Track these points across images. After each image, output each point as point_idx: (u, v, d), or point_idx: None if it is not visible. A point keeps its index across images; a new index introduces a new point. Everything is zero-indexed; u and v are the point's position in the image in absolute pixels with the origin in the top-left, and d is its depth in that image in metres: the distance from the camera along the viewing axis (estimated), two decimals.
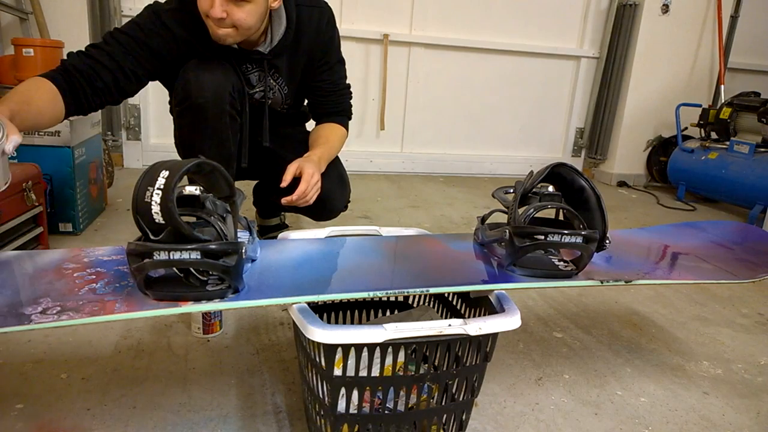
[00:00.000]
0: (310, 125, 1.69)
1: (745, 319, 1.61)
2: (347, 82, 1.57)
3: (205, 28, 1.28)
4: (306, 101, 1.62)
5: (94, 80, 1.20)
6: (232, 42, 1.29)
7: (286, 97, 1.54)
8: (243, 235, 0.93)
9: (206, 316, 1.25)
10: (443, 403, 0.87)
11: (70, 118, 1.78)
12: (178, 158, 1.38)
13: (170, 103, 1.43)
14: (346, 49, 1.55)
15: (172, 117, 1.45)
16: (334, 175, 1.53)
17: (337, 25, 1.51)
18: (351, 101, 1.59)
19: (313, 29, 1.44)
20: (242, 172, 1.58)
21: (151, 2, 1.34)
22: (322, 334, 0.73)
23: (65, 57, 1.21)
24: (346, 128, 1.58)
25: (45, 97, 1.12)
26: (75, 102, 1.18)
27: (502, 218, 1.05)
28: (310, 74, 1.51)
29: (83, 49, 1.23)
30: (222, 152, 1.40)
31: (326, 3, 1.48)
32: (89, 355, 1.16)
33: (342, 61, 1.55)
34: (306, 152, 1.59)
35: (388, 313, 1.16)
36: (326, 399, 0.80)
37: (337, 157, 1.55)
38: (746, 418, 1.13)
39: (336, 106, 1.55)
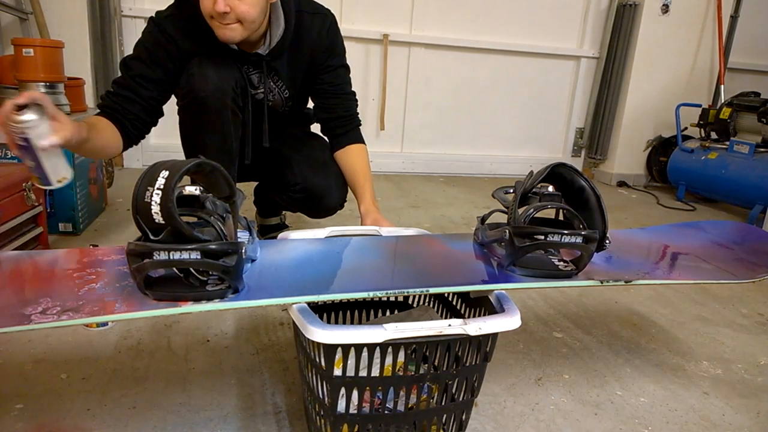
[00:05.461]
0: (315, 127, 1.69)
1: (745, 319, 1.61)
2: (352, 89, 1.56)
3: (205, 30, 1.28)
4: (312, 105, 1.62)
5: (127, 114, 1.31)
6: (239, 38, 1.29)
7: (287, 100, 1.54)
8: (243, 235, 0.93)
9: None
10: (443, 403, 0.87)
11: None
12: (179, 158, 1.38)
13: (178, 103, 1.43)
14: (346, 49, 1.55)
15: (177, 117, 1.45)
16: (332, 173, 1.53)
17: (338, 25, 1.51)
18: (357, 109, 1.57)
19: (315, 34, 1.45)
20: (245, 172, 1.58)
21: (153, 14, 1.37)
22: (322, 334, 0.73)
23: (99, 100, 1.35)
24: (363, 140, 1.56)
25: (109, 128, 1.27)
26: (126, 134, 1.32)
27: (502, 218, 1.05)
28: (312, 78, 1.51)
29: (110, 89, 1.33)
30: (224, 147, 1.41)
31: (329, 10, 1.49)
32: (89, 355, 1.16)
33: (346, 67, 1.54)
34: (308, 151, 1.58)
35: (388, 313, 1.16)
36: (326, 399, 0.80)
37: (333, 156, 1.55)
38: (746, 418, 1.13)
39: (344, 111, 1.53)
